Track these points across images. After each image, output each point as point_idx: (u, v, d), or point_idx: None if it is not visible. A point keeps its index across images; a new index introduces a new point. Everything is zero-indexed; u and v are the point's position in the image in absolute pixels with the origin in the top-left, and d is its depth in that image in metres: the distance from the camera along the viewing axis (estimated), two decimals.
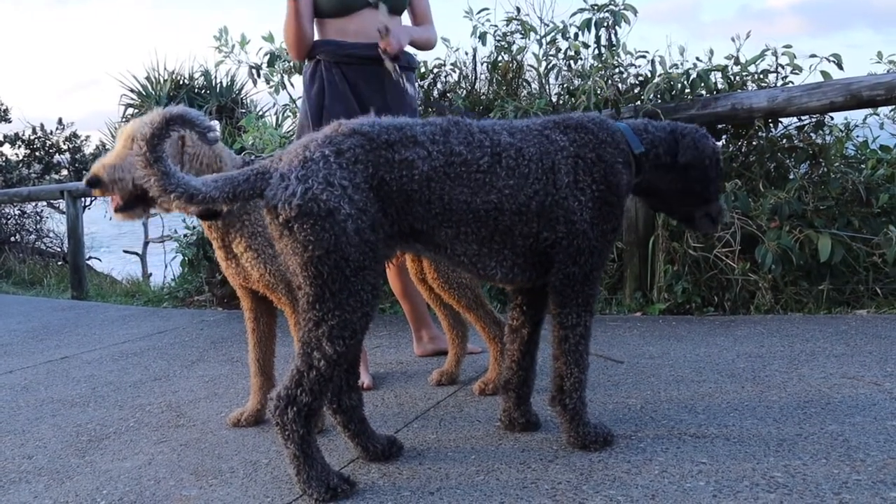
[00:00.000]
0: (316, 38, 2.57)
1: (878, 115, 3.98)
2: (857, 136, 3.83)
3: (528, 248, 1.76)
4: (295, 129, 2.80)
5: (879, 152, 3.67)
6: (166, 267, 7.55)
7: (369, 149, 1.60)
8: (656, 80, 3.62)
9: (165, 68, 7.67)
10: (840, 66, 3.45)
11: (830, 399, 2.07)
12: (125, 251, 10.25)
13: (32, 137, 10.08)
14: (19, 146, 10.08)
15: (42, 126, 10.14)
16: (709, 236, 3.44)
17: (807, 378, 2.28)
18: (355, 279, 1.56)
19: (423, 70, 4.21)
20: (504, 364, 2.02)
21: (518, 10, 4.07)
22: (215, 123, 1.71)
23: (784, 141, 3.67)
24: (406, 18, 2.68)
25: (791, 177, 3.58)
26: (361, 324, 1.61)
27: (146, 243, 9.60)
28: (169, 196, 1.52)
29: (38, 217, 9.75)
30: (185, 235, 5.14)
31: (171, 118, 1.52)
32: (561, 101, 4.01)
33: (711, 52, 3.72)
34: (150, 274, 8.69)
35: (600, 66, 3.71)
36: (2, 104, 10.29)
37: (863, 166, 3.66)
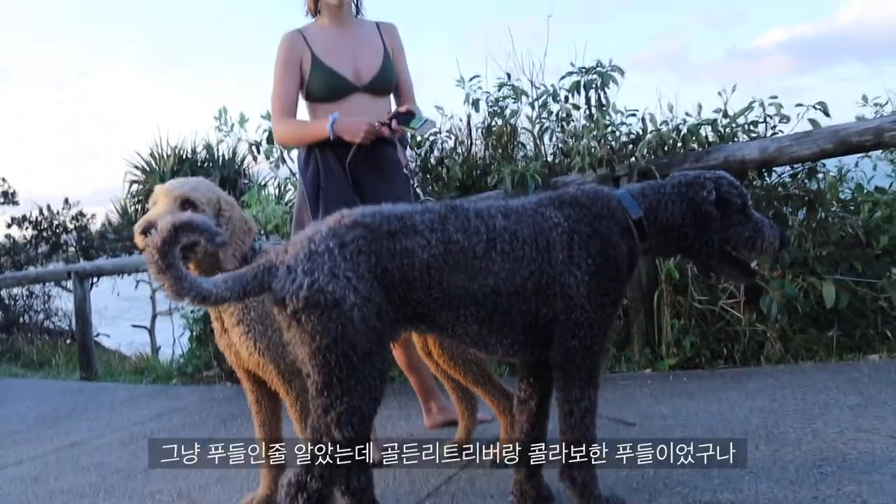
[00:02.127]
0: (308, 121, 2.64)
1: (869, 157, 4.03)
2: (852, 179, 3.87)
3: (528, 324, 1.78)
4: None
5: (875, 194, 3.70)
6: (174, 342, 7.57)
7: (371, 239, 1.65)
8: (648, 136, 3.69)
9: (168, 143, 7.80)
10: (826, 113, 3.51)
11: (846, 456, 2.05)
12: (133, 326, 10.29)
13: (39, 218, 10.24)
14: (27, 227, 10.24)
15: (49, 207, 10.32)
16: (713, 288, 3.44)
17: (821, 433, 2.25)
18: (362, 366, 1.59)
19: (419, 138, 4.30)
20: (514, 436, 2.01)
21: (508, 75, 4.18)
22: (221, 229, 1.78)
23: (779, 189, 3.71)
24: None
25: (789, 224, 3.60)
26: (370, 409, 1.63)
27: (154, 317, 9.64)
28: (183, 298, 1.58)
29: (45, 296, 9.82)
30: (192, 311, 5.17)
31: (180, 226, 1.58)
32: (557, 161, 4.08)
33: (700, 106, 3.80)
34: (159, 347, 8.70)
35: (592, 126, 3.79)
36: (10, 188, 10.52)
37: (860, 209, 3.68)
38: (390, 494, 2.21)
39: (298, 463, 1.63)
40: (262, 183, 7.25)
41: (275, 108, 2.59)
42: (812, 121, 3.47)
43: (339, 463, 1.62)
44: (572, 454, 1.81)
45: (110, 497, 2.60)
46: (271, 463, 2.25)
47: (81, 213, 10.31)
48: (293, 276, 1.60)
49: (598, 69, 3.84)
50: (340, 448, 1.60)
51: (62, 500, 2.64)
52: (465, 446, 2.51)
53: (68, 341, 8.96)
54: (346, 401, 1.59)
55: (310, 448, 1.62)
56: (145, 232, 1.95)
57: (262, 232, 4.12)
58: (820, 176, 3.64)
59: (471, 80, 4.18)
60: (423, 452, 2.61)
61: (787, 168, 3.63)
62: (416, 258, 1.66)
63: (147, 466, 2.92)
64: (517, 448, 1.98)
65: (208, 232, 1.65)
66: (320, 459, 1.60)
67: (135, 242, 2.04)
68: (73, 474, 2.97)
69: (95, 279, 8.53)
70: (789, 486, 1.89)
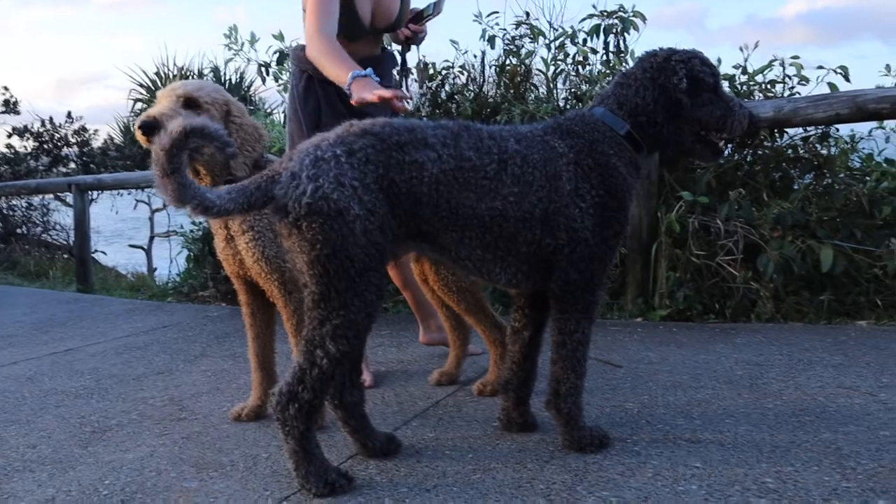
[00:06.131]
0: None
1: (884, 128, 3.99)
2: (863, 149, 3.84)
3: (532, 254, 1.78)
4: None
5: (884, 165, 3.68)
6: (171, 262, 7.60)
7: (380, 149, 1.62)
8: None
9: (175, 64, 7.72)
10: (847, 78, 3.47)
11: (825, 408, 2.09)
12: (130, 245, 10.31)
13: (41, 130, 10.14)
14: (28, 138, 10.13)
15: (51, 119, 10.20)
16: (712, 244, 3.46)
17: (803, 387, 2.30)
18: (360, 280, 1.59)
19: (431, 72, 4.24)
20: (505, 364, 2.04)
21: (527, 14, 4.10)
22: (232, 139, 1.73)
23: (789, 151, 3.69)
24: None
25: (795, 187, 3.59)
26: (365, 324, 1.64)
27: (151, 238, 9.66)
28: (184, 206, 1.54)
29: (44, 209, 9.80)
30: (190, 231, 5.19)
31: (191, 131, 1.52)
32: (568, 106, 4.03)
33: (719, 60, 3.73)
34: (156, 268, 8.74)
35: (608, 71, 3.74)
36: (12, 97, 10.36)
37: (867, 178, 3.67)
38: (378, 414, 2.26)
39: (291, 374, 1.65)
40: (269, 111, 7.18)
41: (317, 14, 2.31)
42: (830, 84, 3.43)
43: (332, 375, 1.64)
44: (560, 385, 1.84)
45: (103, 400, 2.65)
46: (263, 375, 2.29)
47: (84, 128, 10.20)
48: (297, 181, 1.57)
49: (620, 13, 3.76)
50: (334, 360, 1.61)
51: (56, 400, 2.68)
52: (453, 375, 2.56)
53: (65, 256, 9.00)
54: (343, 314, 1.59)
55: (303, 359, 1.63)
56: (146, 130, 1.89)
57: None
58: (831, 142, 3.62)
59: (488, 15, 4.11)
60: (412, 378, 2.67)
61: (800, 130, 3.61)
62: (426, 172, 1.63)
63: (140, 374, 2.99)
64: (507, 376, 2.01)
65: (220, 140, 1.59)
66: (314, 371, 1.62)
67: (138, 160, 2.00)
68: (68, 377, 3.03)
69: (95, 195, 8.52)
70: (768, 430, 1.94)
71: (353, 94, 2.08)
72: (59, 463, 2.04)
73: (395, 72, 2.70)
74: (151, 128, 1.87)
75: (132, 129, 8.68)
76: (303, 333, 1.66)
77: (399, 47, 2.69)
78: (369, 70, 2.11)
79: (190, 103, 1.98)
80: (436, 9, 2.53)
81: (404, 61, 2.69)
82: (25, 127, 10.13)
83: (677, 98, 1.82)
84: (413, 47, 2.68)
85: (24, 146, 10.18)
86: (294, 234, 1.59)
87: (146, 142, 1.91)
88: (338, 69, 2.19)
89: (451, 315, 2.53)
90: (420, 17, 2.55)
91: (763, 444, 1.84)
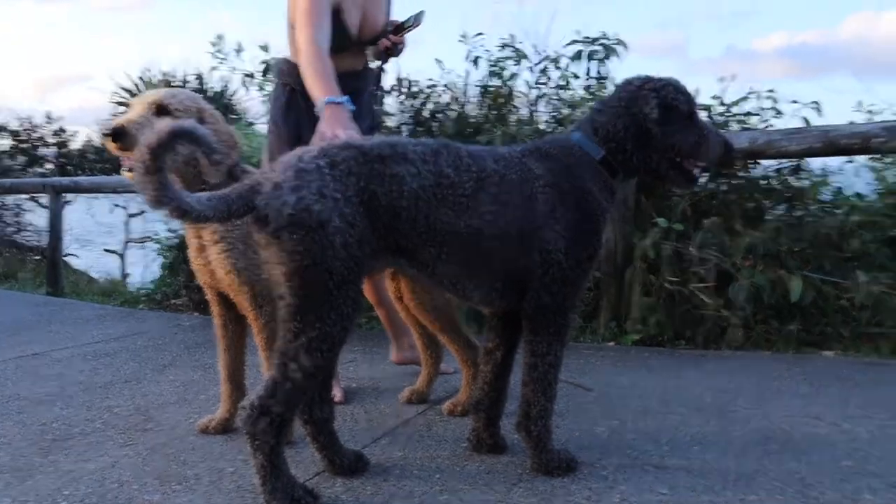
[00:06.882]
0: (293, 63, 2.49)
1: (853, 161, 4.08)
2: (834, 183, 3.92)
3: (506, 273, 1.79)
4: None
5: (853, 199, 3.76)
6: (145, 268, 7.49)
7: (362, 161, 1.63)
8: None
9: (160, 69, 7.69)
10: (819, 112, 3.56)
11: (791, 437, 2.12)
12: (105, 250, 10.15)
13: (19, 129, 10.01)
14: (5, 136, 10.00)
15: (30, 119, 10.09)
16: (685, 270, 3.50)
17: (770, 415, 2.33)
18: (338, 293, 1.59)
19: (415, 90, 4.27)
20: (476, 385, 2.04)
21: (512, 36, 4.15)
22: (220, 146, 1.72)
23: (763, 182, 3.75)
24: None
25: (767, 217, 3.66)
26: (340, 337, 1.63)
27: (126, 243, 9.52)
28: (162, 208, 1.52)
29: (17, 209, 9.63)
30: (166, 238, 5.14)
31: (180, 133, 1.52)
32: (549, 129, 4.08)
33: (697, 91, 3.81)
34: (128, 274, 8.61)
35: (589, 96, 3.79)
36: None
37: (837, 211, 3.74)
38: (347, 431, 2.24)
39: (263, 387, 1.63)
40: (251, 122, 7.15)
41: (310, 25, 2.25)
42: (804, 118, 3.51)
43: (305, 389, 1.63)
44: (531, 407, 1.85)
45: (68, 407, 2.60)
46: (232, 387, 2.27)
47: (63, 129, 10.09)
48: (279, 192, 1.56)
49: (603, 40, 3.82)
50: (308, 374, 1.60)
51: (18, 406, 2.63)
52: (423, 394, 2.56)
53: (37, 258, 8.83)
54: (319, 327, 1.59)
55: (276, 372, 1.62)
56: (114, 137, 1.90)
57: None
58: (803, 174, 3.70)
59: (474, 36, 4.15)
60: (383, 395, 2.66)
61: (774, 162, 3.68)
62: (406, 186, 1.64)
63: (107, 382, 2.94)
64: (479, 397, 2.01)
65: (208, 146, 1.59)
66: (286, 384, 1.61)
67: (116, 164, 1.97)
68: (32, 383, 2.96)
69: (70, 197, 8.38)
70: (734, 458, 1.96)
71: (321, 122, 2.09)
72: (17, 471, 1.99)
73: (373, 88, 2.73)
74: (119, 135, 1.89)
75: None
76: (276, 346, 1.64)
77: (378, 62, 2.70)
78: (346, 98, 2.11)
79: (161, 110, 1.98)
80: (416, 21, 2.57)
81: (381, 72, 2.71)
82: (2, 126, 10.00)
83: (647, 127, 1.84)
84: (392, 59, 2.70)
85: (1, 144, 10.04)
86: (273, 244, 1.58)
87: (115, 149, 1.92)
88: (318, 87, 2.17)
89: (424, 333, 2.53)
90: (400, 28, 2.60)
91: (729, 472, 1.86)
